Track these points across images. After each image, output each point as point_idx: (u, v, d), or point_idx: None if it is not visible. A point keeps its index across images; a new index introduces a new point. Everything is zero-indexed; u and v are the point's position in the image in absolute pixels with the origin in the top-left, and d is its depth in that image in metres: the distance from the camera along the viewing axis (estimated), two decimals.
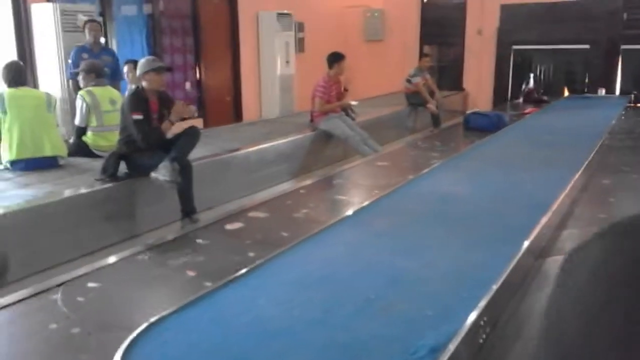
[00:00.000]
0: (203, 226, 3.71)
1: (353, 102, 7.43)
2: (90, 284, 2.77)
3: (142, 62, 4.37)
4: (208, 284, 2.52)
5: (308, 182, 4.87)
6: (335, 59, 6.69)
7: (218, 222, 3.71)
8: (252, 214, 3.88)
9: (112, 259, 3.10)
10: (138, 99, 4.27)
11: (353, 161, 6.04)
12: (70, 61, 5.88)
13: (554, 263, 2.92)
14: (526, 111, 8.87)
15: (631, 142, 6.44)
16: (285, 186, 5.24)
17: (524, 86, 10.66)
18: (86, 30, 5.88)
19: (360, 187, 4.89)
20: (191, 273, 2.88)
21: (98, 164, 4.53)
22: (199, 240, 3.40)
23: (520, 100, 10.41)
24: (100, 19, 6.16)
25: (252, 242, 3.32)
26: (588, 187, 4.36)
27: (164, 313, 2.18)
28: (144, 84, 4.28)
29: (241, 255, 3.02)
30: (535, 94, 10.31)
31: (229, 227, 3.60)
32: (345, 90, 7.11)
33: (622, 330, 0.27)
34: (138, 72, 4.32)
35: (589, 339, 0.28)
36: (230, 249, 3.25)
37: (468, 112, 8.07)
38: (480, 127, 7.31)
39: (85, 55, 5.77)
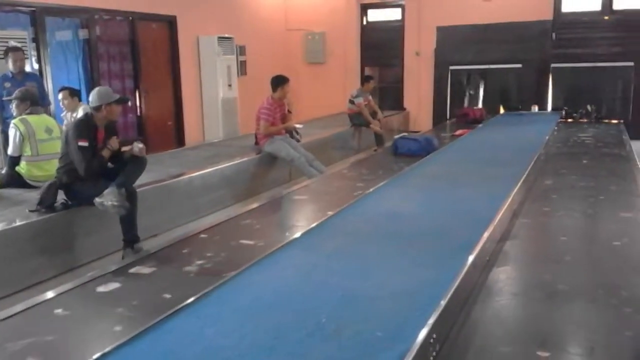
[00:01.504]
0: (69, 289, 3.02)
1: (298, 125, 7.45)
2: None
3: (100, 93, 4.16)
4: None
5: (211, 222, 4.35)
6: (279, 82, 6.71)
7: (90, 283, 3.09)
8: (135, 269, 3.29)
9: None
10: (87, 126, 4.12)
11: (268, 196, 5.54)
12: None
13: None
14: (457, 133, 8.78)
15: (567, 149, 7.25)
16: (186, 229, 4.66)
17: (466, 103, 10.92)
18: (9, 60, 5.67)
19: (272, 228, 4.34)
20: None
21: (33, 194, 4.34)
22: (58, 311, 2.74)
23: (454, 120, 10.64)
24: (21, 45, 5.92)
25: (125, 310, 2.74)
26: (534, 187, 5.00)
27: (107, 349, 2.08)
28: (102, 113, 4.13)
29: (105, 331, 2.54)
30: (471, 114, 10.50)
31: (101, 289, 3.00)
32: (289, 112, 7.14)
33: None
34: (97, 102, 4.10)
35: None
36: (95, 321, 2.70)
37: (396, 136, 7.63)
38: (409, 152, 7.08)
39: (7, 84, 5.56)
